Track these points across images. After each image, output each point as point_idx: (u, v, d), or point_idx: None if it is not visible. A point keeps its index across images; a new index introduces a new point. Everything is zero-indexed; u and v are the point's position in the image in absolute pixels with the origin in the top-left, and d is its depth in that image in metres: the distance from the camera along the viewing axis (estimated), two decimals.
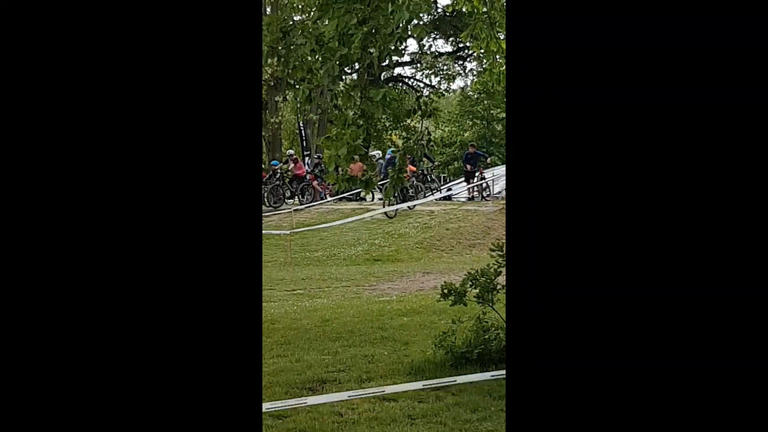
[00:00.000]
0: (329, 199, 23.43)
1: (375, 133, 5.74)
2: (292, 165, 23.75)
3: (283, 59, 5.86)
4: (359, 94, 5.93)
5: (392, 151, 20.36)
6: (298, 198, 23.46)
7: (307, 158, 25.80)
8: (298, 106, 6.85)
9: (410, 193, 20.52)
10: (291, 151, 25.31)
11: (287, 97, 29.40)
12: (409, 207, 19.84)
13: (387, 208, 19.39)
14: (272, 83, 28.56)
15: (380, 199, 20.21)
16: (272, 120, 30.61)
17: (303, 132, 28.15)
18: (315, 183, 23.66)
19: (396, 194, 19.47)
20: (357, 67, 5.99)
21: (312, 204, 22.89)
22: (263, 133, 31.24)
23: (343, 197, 23.33)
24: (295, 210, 21.86)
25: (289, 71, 5.97)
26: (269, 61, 6.04)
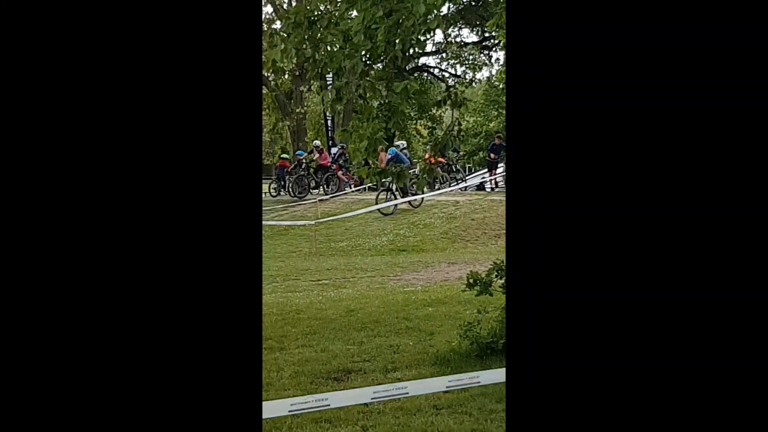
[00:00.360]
0: (353, 189, 23.46)
1: (401, 123, 5.77)
2: (317, 155, 23.80)
3: (311, 59, 5.86)
4: (384, 86, 5.92)
5: (395, 148, 20.16)
6: (323, 188, 23.50)
7: (333, 148, 25.81)
8: (330, 103, 6.83)
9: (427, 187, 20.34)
10: (317, 142, 25.35)
11: (312, 87, 29.43)
12: (411, 204, 19.45)
13: (380, 205, 19.04)
14: (297, 73, 28.59)
15: (385, 190, 19.88)
16: (297, 110, 30.68)
17: (328, 122, 28.16)
18: (340, 173, 23.69)
19: (403, 188, 19.27)
20: (382, 58, 5.98)
21: (337, 194, 22.93)
22: (288, 123, 31.34)
23: (368, 187, 23.33)
24: (320, 200, 21.91)
25: (319, 70, 5.97)
26: (295, 60, 6.03)
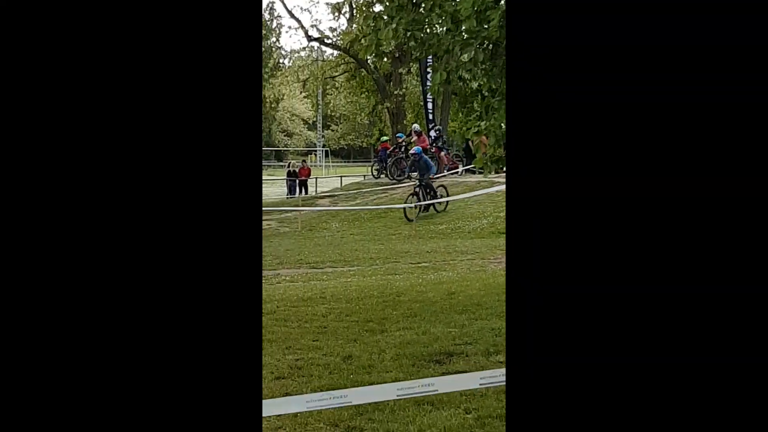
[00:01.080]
0: (448, 171, 23.39)
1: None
2: (414, 138, 23.82)
3: (419, 41, 5.82)
4: (498, 72, 5.83)
5: (418, 150, 19.35)
6: None
7: (431, 131, 25.79)
8: (439, 86, 6.82)
9: None
10: (416, 126, 25.37)
11: (411, 69, 29.40)
12: (435, 208, 18.64)
13: (407, 204, 18.41)
14: (397, 55, 28.59)
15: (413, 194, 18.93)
16: (396, 92, 30.71)
17: (428, 104, 28.11)
18: (442, 154, 23.69)
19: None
20: (487, 43, 5.90)
21: (436, 177, 22.90)
22: (387, 105, 31.42)
23: (467, 169, 23.23)
24: None
25: (423, 52, 5.93)
26: (409, 43, 6.01)
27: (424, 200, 18.52)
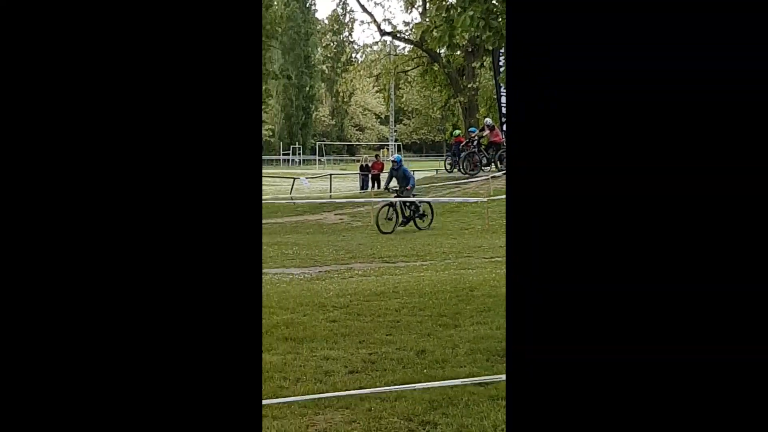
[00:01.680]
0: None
1: None
2: (487, 131, 23.65)
3: (494, 30, 5.78)
4: None
5: (398, 158, 18.21)
6: (496, 165, 23.36)
7: (505, 125, 25.59)
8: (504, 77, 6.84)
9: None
10: (488, 120, 25.21)
11: (484, 63, 29.22)
12: (418, 225, 17.25)
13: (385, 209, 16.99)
14: (470, 49, 28.45)
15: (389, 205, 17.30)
16: (469, 86, 30.56)
17: (502, 98, 27.90)
18: None
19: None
20: None
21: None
22: (460, 99, 31.29)
23: None
24: (492, 177, 21.78)
25: (498, 41, 5.89)
26: (483, 35, 5.97)
27: (402, 214, 17.27)
